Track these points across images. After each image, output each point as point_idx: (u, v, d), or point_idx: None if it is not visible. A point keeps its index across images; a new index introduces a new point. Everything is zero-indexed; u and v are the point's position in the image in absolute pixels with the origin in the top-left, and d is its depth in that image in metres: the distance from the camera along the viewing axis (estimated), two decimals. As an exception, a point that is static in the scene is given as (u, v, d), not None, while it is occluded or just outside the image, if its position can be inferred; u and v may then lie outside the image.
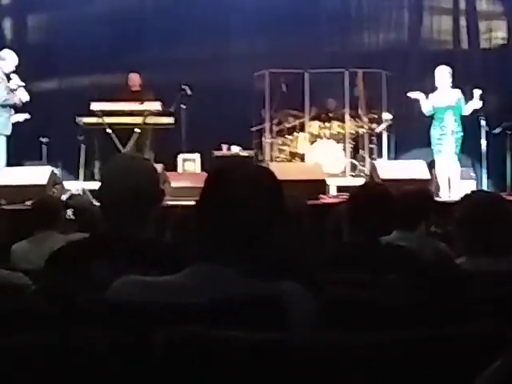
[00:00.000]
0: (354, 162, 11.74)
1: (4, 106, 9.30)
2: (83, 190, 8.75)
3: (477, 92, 9.71)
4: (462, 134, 9.65)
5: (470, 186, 9.56)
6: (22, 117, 9.73)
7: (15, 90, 9.35)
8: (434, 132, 9.74)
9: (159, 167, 8.57)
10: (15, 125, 9.63)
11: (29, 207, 7.27)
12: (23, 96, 9.40)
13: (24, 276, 2.71)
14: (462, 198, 3.29)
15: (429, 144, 9.90)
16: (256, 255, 2.07)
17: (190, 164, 10.93)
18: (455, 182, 9.61)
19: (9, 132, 9.40)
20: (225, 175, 2.07)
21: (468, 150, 10.82)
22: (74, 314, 1.92)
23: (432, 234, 4.73)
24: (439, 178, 9.69)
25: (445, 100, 9.70)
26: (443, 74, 9.77)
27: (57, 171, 9.15)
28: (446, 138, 9.62)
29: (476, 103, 9.69)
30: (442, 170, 9.64)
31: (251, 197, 2.01)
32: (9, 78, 9.39)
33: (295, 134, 11.94)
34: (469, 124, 9.99)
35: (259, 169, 2.15)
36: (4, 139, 9.42)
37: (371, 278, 2.70)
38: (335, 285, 2.61)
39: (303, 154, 11.63)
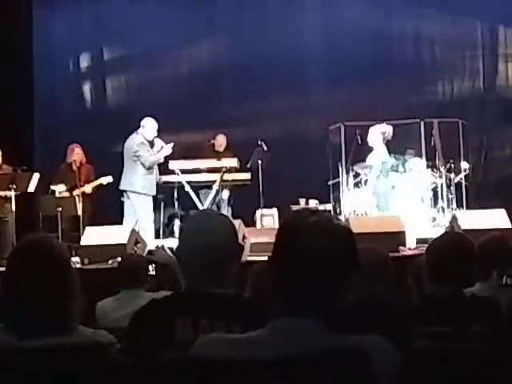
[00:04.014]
0: (434, 212, 11.58)
1: (149, 169, 10.07)
2: (163, 247, 8.83)
3: None
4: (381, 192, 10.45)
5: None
6: (105, 180, 10.60)
7: (159, 151, 10.17)
8: None
9: (237, 223, 8.60)
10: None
11: (111, 266, 7.39)
12: (167, 152, 10.18)
13: (109, 334, 2.73)
14: None
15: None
16: (337, 307, 2.03)
17: (269, 219, 10.95)
18: None
19: (154, 192, 10.25)
20: (295, 225, 2.04)
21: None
22: (158, 371, 1.93)
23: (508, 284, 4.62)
24: None
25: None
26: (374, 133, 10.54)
27: (137, 229, 9.27)
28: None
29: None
30: None
31: (324, 245, 1.96)
32: (152, 144, 10.17)
33: (372, 186, 11.86)
34: None
35: (329, 218, 2.12)
36: (151, 199, 10.17)
37: (457, 330, 2.65)
38: (421, 338, 2.56)
39: (381, 206, 11.53)
